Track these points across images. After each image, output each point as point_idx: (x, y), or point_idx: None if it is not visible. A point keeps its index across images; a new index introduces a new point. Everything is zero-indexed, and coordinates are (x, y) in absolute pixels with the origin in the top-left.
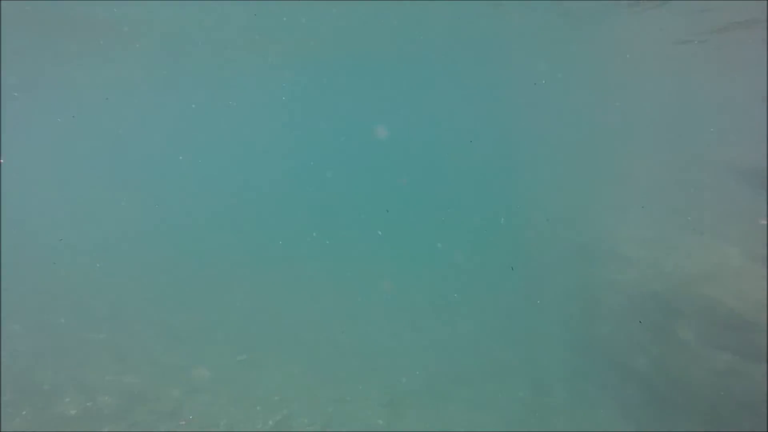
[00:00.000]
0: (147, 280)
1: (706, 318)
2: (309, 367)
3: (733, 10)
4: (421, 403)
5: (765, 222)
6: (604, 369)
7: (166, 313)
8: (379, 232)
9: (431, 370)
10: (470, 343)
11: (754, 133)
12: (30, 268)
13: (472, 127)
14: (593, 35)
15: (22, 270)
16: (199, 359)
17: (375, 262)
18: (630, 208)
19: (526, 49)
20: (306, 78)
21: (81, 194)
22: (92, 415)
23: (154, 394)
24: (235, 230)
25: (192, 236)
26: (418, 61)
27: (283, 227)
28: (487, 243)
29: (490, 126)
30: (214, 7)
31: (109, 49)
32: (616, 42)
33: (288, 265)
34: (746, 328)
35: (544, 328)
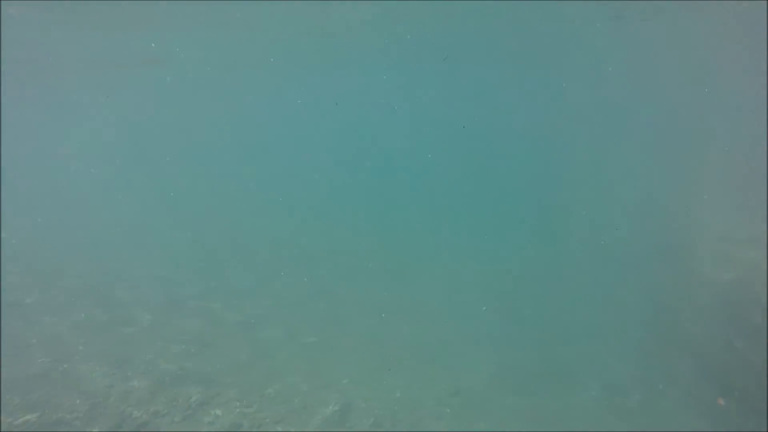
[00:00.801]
0: (220, 265)
1: None
2: (375, 354)
3: None
4: (488, 396)
5: None
6: (689, 372)
7: (239, 296)
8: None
9: (498, 364)
10: (541, 339)
11: None
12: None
13: (555, 124)
14: (665, 31)
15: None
16: (270, 340)
17: (442, 255)
18: (724, 206)
19: (602, 47)
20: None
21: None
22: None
23: (233, 368)
24: (307, 217)
25: (266, 221)
26: (491, 60)
27: (358, 217)
28: (569, 238)
29: (576, 123)
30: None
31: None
32: (692, 37)
33: (362, 255)
34: None
35: (622, 326)
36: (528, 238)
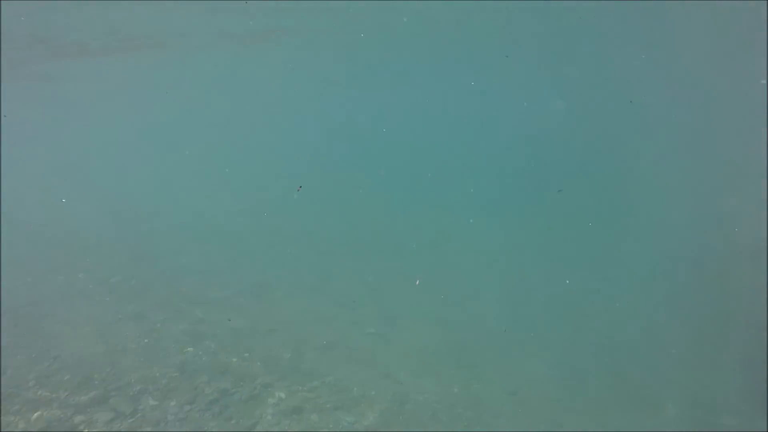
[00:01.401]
0: (287, 256)
1: None
2: (433, 350)
3: None
4: (549, 398)
5: None
6: None
7: (304, 288)
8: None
9: (559, 367)
10: (611, 345)
11: None
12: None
13: (639, 124)
14: None
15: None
16: (330, 329)
17: (502, 255)
18: None
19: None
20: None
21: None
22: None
23: (296, 354)
24: (377, 208)
25: (331, 212)
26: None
27: (413, 215)
28: (641, 240)
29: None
30: None
31: None
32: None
33: (420, 253)
34: None
35: (718, 339)
36: (596, 240)
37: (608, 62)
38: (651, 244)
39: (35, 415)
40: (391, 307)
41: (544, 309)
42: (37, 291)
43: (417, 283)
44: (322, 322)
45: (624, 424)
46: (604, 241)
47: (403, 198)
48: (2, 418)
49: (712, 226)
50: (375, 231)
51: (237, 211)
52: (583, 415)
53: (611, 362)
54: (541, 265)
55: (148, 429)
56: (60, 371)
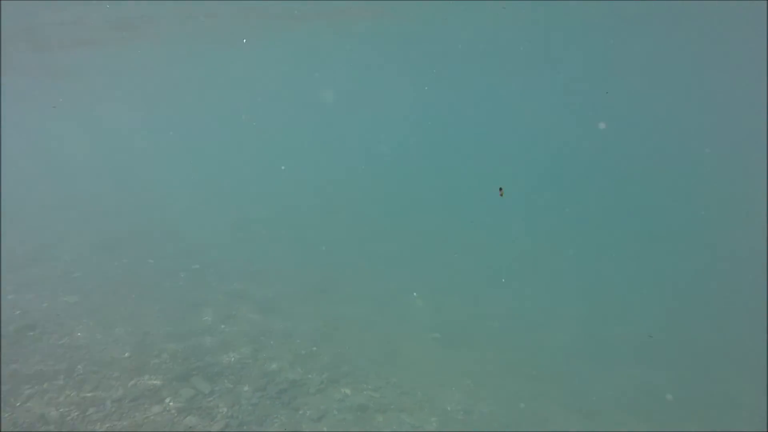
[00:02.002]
0: (353, 257)
1: None
2: (497, 359)
3: None
4: (621, 420)
5: None
6: None
7: (369, 288)
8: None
9: (633, 385)
10: (684, 359)
11: None
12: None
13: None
14: None
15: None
16: (396, 332)
17: (562, 261)
18: None
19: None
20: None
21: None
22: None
23: (361, 352)
24: (434, 215)
25: (390, 215)
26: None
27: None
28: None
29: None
30: None
31: None
32: None
33: (481, 257)
34: None
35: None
36: (651, 247)
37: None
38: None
39: (131, 382)
40: (456, 312)
41: (613, 319)
42: (131, 273)
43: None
44: (388, 323)
45: None
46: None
47: (460, 202)
48: (101, 382)
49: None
50: (438, 233)
51: (298, 211)
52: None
53: (690, 376)
54: (601, 274)
55: (224, 410)
56: (150, 346)
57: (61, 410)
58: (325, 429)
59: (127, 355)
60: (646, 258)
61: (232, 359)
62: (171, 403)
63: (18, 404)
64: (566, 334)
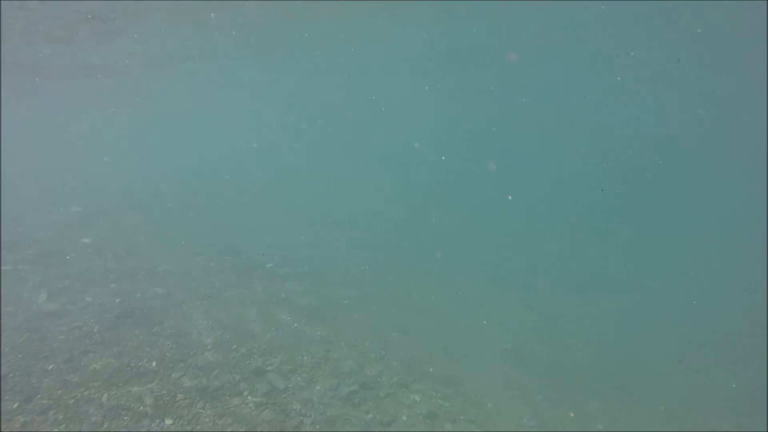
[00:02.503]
0: (423, 261)
1: None
2: (568, 377)
3: None
4: None
5: None
6: None
7: (443, 296)
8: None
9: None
10: None
11: None
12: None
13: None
14: None
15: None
16: (468, 340)
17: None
18: None
19: None
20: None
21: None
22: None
23: (430, 359)
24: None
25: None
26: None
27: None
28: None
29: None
30: None
31: None
32: None
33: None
34: None
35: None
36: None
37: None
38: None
39: (213, 373)
40: (529, 322)
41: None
42: (210, 269)
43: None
44: (458, 332)
45: None
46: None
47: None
48: (171, 374)
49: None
50: (512, 239)
51: (376, 213)
52: None
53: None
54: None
55: (297, 407)
56: (229, 340)
57: (155, 394)
58: None
59: (209, 347)
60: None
61: (305, 358)
62: (249, 397)
63: (120, 385)
64: (650, 351)
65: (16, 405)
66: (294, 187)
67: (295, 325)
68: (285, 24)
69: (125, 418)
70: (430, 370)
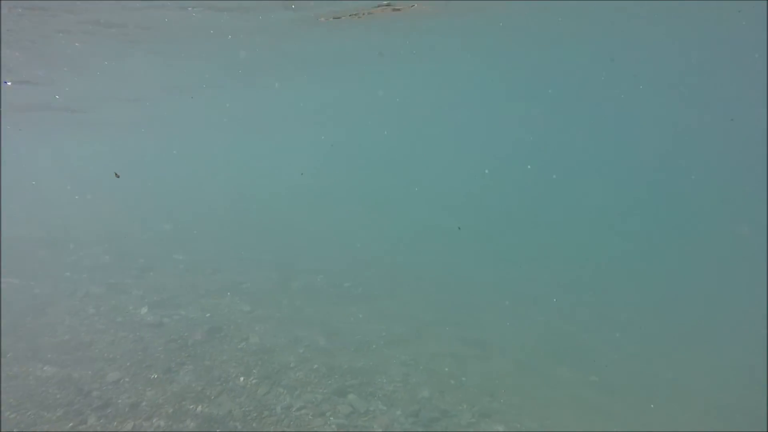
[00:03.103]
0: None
1: None
2: (664, 417)
3: None
4: None
5: None
6: None
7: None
8: None
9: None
10: None
11: None
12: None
13: None
14: None
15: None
16: (552, 373)
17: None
18: None
19: None
20: None
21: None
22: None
23: (515, 389)
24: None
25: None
26: None
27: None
28: None
29: None
30: None
31: None
32: None
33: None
34: None
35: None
36: None
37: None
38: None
39: (296, 392)
40: (620, 354)
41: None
42: (300, 295)
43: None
44: (542, 358)
45: None
46: None
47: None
48: (271, 388)
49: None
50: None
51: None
52: None
53: None
54: None
55: (379, 429)
56: (310, 359)
57: (243, 409)
58: None
59: (292, 365)
60: None
61: (384, 381)
62: (331, 418)
63: (213, 397)
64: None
65: (127, 409)
66: (376, 207)
67: (373, 346)
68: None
69: (218, 430)
70: (514, 400)
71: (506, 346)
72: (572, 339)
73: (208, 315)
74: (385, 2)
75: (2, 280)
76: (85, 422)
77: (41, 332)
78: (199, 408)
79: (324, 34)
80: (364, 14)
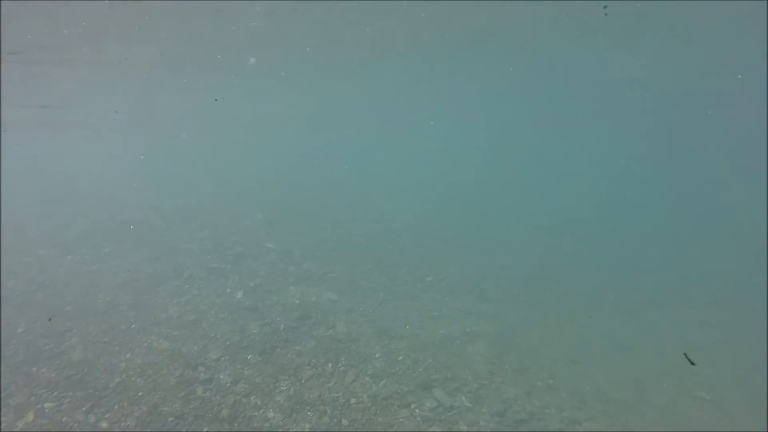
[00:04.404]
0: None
1: None
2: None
3: None
4: None
5: None
6: None
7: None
8: None
9: None
10: None
11: None
12: None
13: None
14: None
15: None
16: (655, 379)
17: None
18: None
19: None
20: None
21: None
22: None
23: (602, 394)
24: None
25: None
26: None
27: None
28: None
29: None
30: None
31: None
32: None
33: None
34: None
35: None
36: None
37: None
38: None
39: (382, 382)
40: (739, 366)
41: None
42: (385, 287)
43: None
44: (640, 363)
45: None
46: None
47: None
48: (358, 376)
49: None
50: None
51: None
52: None
53: None
54: None
55: (464, 428)
56: (395, 351)
57: (332, 394)
58: None
59: (377, 355)
60: None
61: (469, 377)
62: (417, 410)
63: (304, 381)
64: None
65: (228, 383)
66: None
67: (457, 342)
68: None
69: (308, 413)
70: (606, 407)
71: (603, 351)
72: None
73: (297, 302)
74: None
75: (126, 257)
76: (194, 392)
77: (156, 308)
78: (291, 390)
79: None
80: None
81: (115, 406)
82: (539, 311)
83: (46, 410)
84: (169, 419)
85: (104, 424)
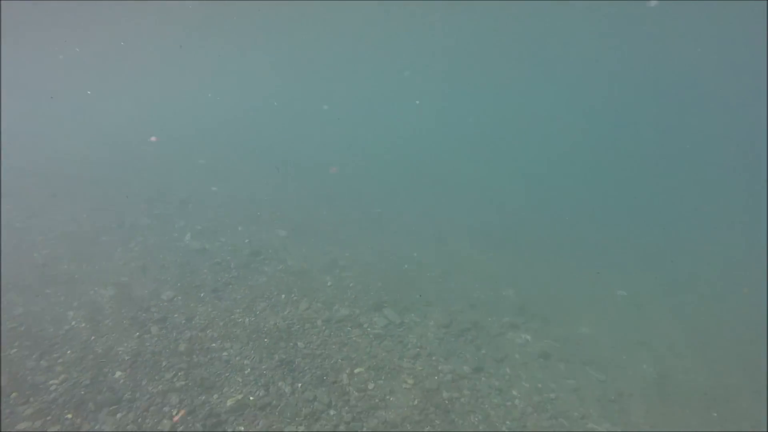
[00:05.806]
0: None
1: None
2: (701, 326)
3: None
4: None
5: None
6: None
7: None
8: None
9: None
10: None
11: None
12: None
13: None
14: None
15: None
16: (582, 285)
17: None
18: None
19: None
20: None
21: None
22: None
23: (544, 303)
24: None
25: None
26: None
27: None
28: None
29: None
30: None
31: None
32: None
33: None
34: None
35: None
36: None
37: None
38: None
39: (334, 307)
40: (645, 269)
41: None
42: (337, 219)
43: None
44: (574, 279)
45: None
46: None
47: None
48: (311, 304)
49: None
50: None
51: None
52: None
53: None
54: None
55: (414, 339)
56: (346, 279)
57: (287, 322)
58: (508, 370)
59: (329, 284)
60: None
61: (418, 297)
62: (368, 329)
63: (258, 312)
64: None
65: (183, 321)
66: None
67: (415, 254)
68: None
69: (265, 340)
70: (543, 311)
71: (538, 268)
72: None
73: (247, 241)
74: None
75: (62, 210)
76: (149, 332)
77: (99, 258)
78: (247, 321)
79: None
80: None
81: (68, 351)
82: (489, 253)
83: None
84: (126, 357)
85: (59, 368)
